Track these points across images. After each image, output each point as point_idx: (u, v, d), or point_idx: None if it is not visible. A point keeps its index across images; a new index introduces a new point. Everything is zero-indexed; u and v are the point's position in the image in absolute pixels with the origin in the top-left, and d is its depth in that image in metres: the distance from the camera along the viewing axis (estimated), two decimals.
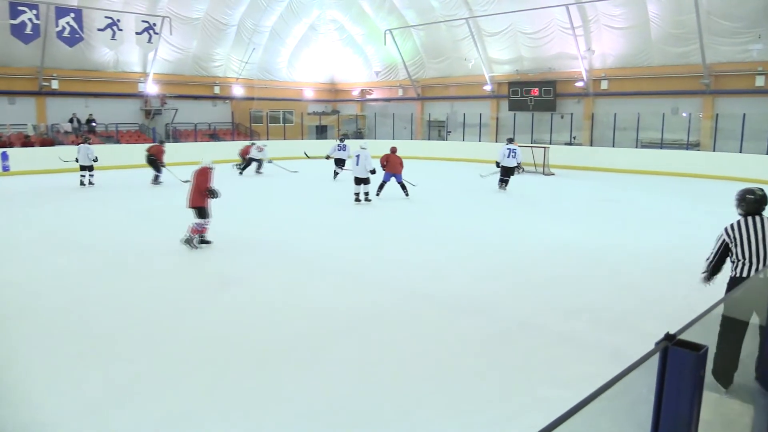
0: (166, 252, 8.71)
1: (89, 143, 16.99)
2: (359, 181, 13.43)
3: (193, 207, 8.79)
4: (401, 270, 7.79)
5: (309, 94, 34.24)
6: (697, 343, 1.92)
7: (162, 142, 18.28)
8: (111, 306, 6.25)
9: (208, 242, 8.97)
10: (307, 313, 6.05)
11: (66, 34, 23.35)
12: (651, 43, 22.60)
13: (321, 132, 31.91)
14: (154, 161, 16.97)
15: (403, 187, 14.10)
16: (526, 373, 4.70)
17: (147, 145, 18.48)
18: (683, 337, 1.95)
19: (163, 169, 17.00)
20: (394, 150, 14.52)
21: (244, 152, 20.64)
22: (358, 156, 13.60)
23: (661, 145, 21.62)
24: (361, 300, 6.51)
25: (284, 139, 27.72)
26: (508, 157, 15.47)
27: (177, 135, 27.53)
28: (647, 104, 22.98)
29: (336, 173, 18.32)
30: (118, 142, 24.88)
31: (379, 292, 6.79)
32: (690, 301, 6.18)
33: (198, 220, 8.80)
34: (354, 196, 13.62)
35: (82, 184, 16.44)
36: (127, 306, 6.25)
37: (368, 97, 34.35)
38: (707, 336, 2.01)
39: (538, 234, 10.15)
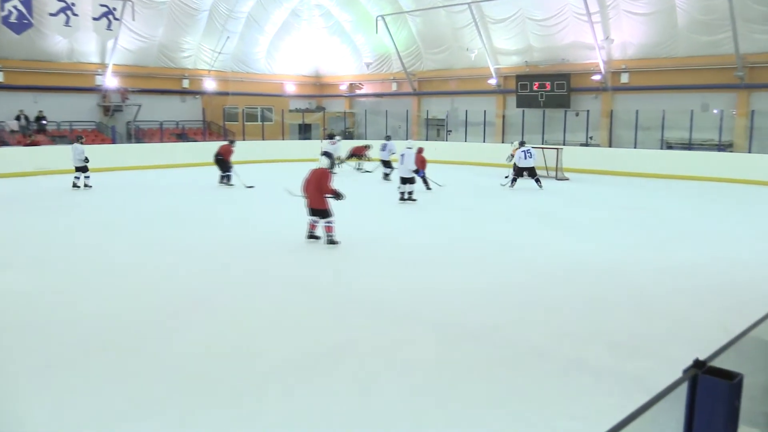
0: (137, 266, 8.69)
1: (81, 142, 17.59)
2: (404, 180, 15.07)
3: (314, 208, 10.05)
4: (394, 290, 7.78)
5: (291, 88, 34.33)
6: (730, 371, 1.90)
7: (232, 142, 19.05)
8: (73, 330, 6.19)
9: (336, 242, 10.04)
10: (293, 338, 6.02)
11: (13, 19, 23.32)
12: (677, 31, 22.82)
13: (304, 131, 31.95)
14: (222, 161, 18.06)
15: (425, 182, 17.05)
16: (537, 405, 4.69)
17: (216, 144, 19.75)
18: (715, 364, 1.93)
19: (232, 170, 18.13)
20: (421, 151, 16.91)
21: (358, 151, 21.88)
22: (403, 155, 15.31)
23: (690, 146, 21.78)
24: (351, 321, 6.49)
25: (263, 139, 27.73)
26: (525, 159, 17.41)
27: (140, 135, 27.50)
28: (673, 100, 23.17)
29: (386, 174, 19.90)
30: (72, 142, 24.75)
31: (371, 315, 6.77)
32: (723, 324, 6.19)
33: (325, 219, 10.04)
34: (399, 195, 15.18)
35: (75, 186, 17.01)
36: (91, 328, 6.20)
37: (358, 92, 34.46)
38: (742, 363, 1.99)
39: (549, 248, 10.16)
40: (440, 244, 10.51)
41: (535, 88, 26.56)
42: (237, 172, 18.18)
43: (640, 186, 18.93)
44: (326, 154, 16.24)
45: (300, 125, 31.90)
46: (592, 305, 7.14)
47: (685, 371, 1.91)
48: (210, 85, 30.69)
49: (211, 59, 30.38)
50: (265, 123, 29.90)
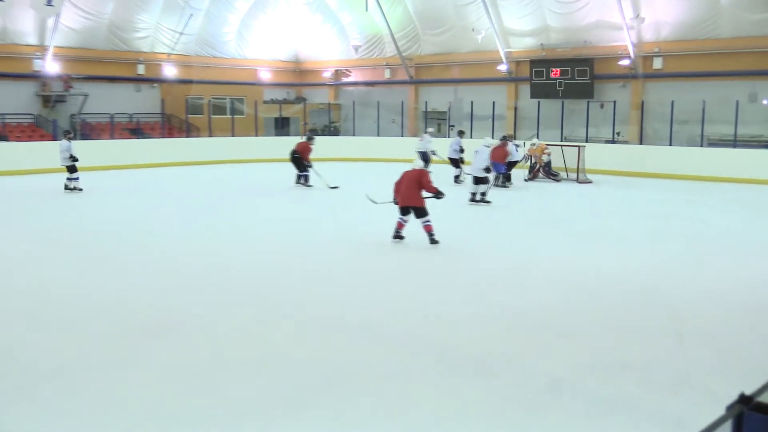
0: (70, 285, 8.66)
1: (69, 138, 17.82)
2: (476, 180, 15.58)
3: (410, 206, 11.04)
4: (388, 312, 7.78)
5: (265, 76, 34.34)
6: None
7: (310, 138, 19.51)
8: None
9: (437, 242, 10.98)
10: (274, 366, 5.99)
11: None
12: (720, 8, 22.99)
13: (281, 126, 31.96)
14: (299, 159, 18.76)
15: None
16: None
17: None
18: (764, 399, 1.94)
19: (311, 170, 18.73)
20: (505, 144, 18.24)
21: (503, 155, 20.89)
22: (477, 152, 15.78)
23: (735, 143, 21.88)
24: (338, 347, 6.48)
25: (232, 135, 27.70)
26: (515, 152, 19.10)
27: (86, 130, 27.41)
28: (715, 89, 23.29)
29: (457, 177, 20.09)
30: (4, 138, 24.66)
31: (360, 340, 6.76)
32: None
33: (423, 219, 11.03)
34: (470, 196, 15.70)
35: (66, 188, 17.39)
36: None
37: (344, 80, 34.49)
38: None
39: (570, 263, 10.16)
40: (443, 258, 10.52)
41: (552, 75, 26.66)
42: (318, 171, 18.58)
43: (677, 190, 19.00)
44: (421, 154, 19.13)
45: (276, 119, 31.89)
46: (621, 331, 7.14)
47: (729, 408, 1.91)
48: (170, 71, 30.62)
49: (172, 41, 30.33)
50: (235, 116, 29.88)
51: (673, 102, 22.92)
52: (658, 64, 24.96)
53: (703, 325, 7.36)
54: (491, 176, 16.14)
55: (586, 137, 24.29)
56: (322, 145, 28.19)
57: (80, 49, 28.11)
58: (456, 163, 20.25)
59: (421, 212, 11.09)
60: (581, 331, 7.15)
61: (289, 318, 7.55)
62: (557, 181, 20.49)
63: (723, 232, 12.85)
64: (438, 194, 11.14)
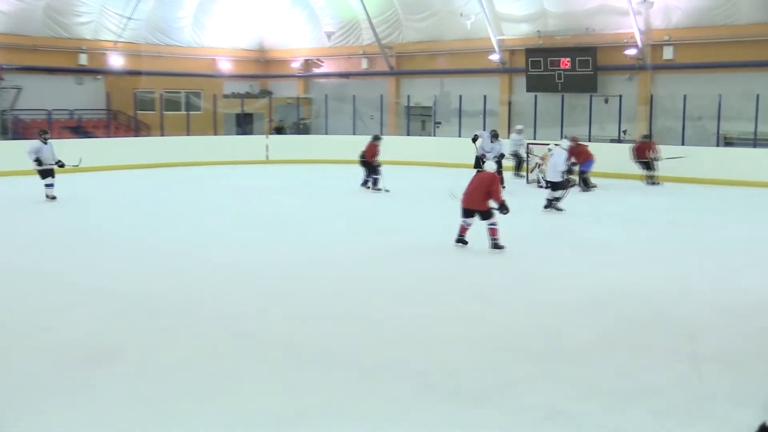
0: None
1: (44, 138, 17.74)
2: (553, 185, 15.87)
3: (473, 209, 11.70)
4: (364, 336, 7.75)
5: (226, 66, 34.25)
6: None
7: (377, 139, 19.89)
8: None
9: (502, 247, 11.65)
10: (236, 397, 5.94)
11: None
12: None
13: (244, 124, 31.82)
14: (367, 163, 19.46)
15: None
16: None
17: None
18: None
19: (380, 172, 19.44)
20: (575, 139, 18.98)
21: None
22: (552, 154, 16.20)
23: (755, 142, 22.05)
24: (310, 375, 6.44)
25: (187, 133, 27.54)
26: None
27: (19, 128, 27.14)
28: (733, 82, 23.48)
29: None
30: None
31: (341, 370, 6.73)
32: None
33: (488, 221, 11.69)
34: (545, 202, 15.89)
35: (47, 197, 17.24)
36: None
37: (316, 71, 34.44)
38: None
39: (572, 278, 10.20)
40: (433, 273, 10.53)
41: (550, 66, 26.83)
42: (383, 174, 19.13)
43: (691, 195, 19.12)
44: (514, 156, 20.96)
45: (238, 115, 31.73)
46: (630, 354, 7.16)
47: None
48: (116, 61, 30.45)
49: (118, 27, 30.16)
50: (191, 112, 29.68)
51: (685, 96, 23.03)
52: (668, 53, 25.16)
53: (720, 348, 7.40)
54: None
55: (589, 136, 24.29)
56: (289, 145, 28.38)
57: (12, 35, 27.87)
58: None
59: (486, 214, 11.74)
60: (585, 354, 7.16)
61: (246, 343, 7.51)
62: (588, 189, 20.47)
63: (743, 244, 12.91)
64: (503, 207, 11.68)
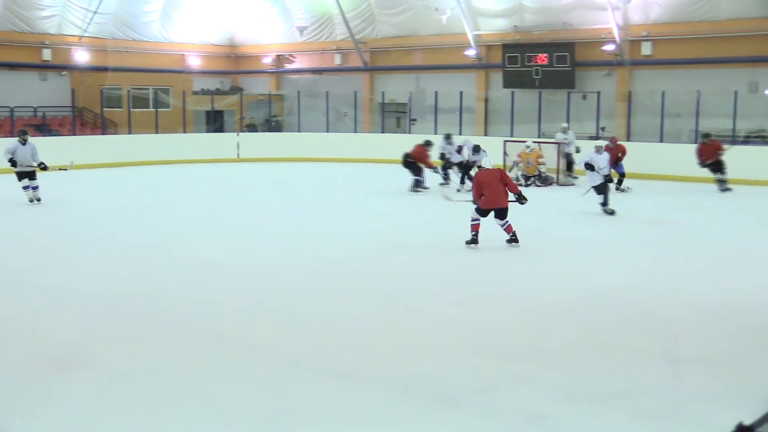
0: None
1: (23, 139, 17.20)
2: (598, 189, 15.61)
3: (501, 208, 12.04)
4: (345, 337, 7.74)
5: (195, 62, 34.11)
6: None
7: (428, 144, 19.96)
8: None
9: (517, 240, 12.09)
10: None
11: None
12: None
13: (214, 121, 31.71)
14: (413, 164, 19.49)
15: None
16: None
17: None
18: (766, 430, 1.94)
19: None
20: (614, 140, 19.15)
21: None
22: (593, 158, 15.68)
23: (733, 138, 22.26)
24: (287, 382, 6.41)
25: (156, 131, 27.40)
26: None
27: None
28: (712, 78, 23.71)
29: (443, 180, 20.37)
30: None
31: (318, 375, 6.71)
32: None
33: (505, 219, 12.09)
34: (601, 208, 15.57)
35: (30, 200, 16.81)
36: None
37: (288, 67, 34.38)
38: None
39: (551, 279, 10.24)
40: (412, 273, 10.52)
41: (527, 62, 26.90)
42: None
43: (668, 193, 19.26)
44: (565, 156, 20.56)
45: (208, 112, 31.63)
46: (610, 356, 7.19)
47: None
48: (82, 57, 30.19)
49: (83, 22, 29.91)
50: (159, 109, 29.57)
51: (663, 92, 23.28)
52: (646, 49, 25.35)
53: (701, 349, 7.44)
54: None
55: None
56: (261, 143, 28.29)
57: None
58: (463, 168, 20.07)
59: (505, 213, 12.12)
60: (565, 356, 7.18)
61: (221, 349, 7.45)
62: (548, 185, 20.72)
63: (723, 243, 13.02)
64: (521, 197, 12.36)
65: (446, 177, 20.45)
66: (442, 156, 20.48)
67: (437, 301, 9.14)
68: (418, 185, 19.33)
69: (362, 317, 8.45)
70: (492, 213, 12.07)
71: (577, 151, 20.84)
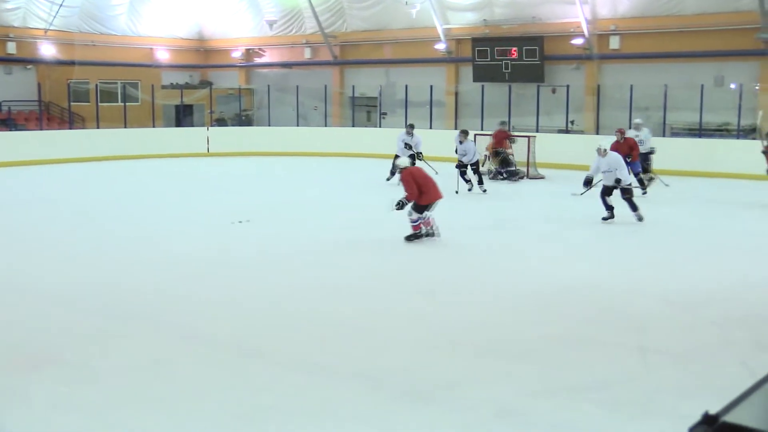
0: None
1: None
2: (624, 191, 13.97)
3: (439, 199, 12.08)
4: (314, 333, 7.77)
5: (163, 56, 33.84)
6: (750, 428, 1.94)
7: (504, 124, 19.94)
8: None
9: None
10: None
11: None
12: None
13: (184, 115, 31.50)
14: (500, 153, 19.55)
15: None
16: None
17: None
18: (732, 418, 1.98)
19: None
20: (622, 132, 17.22)
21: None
22: (610, 161, 13.96)
23: (700, 132, 22.51)
24: (259, 378, 6.43)
25: (125, 126, 27.14)
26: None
27: None
28: (679, 72, 23.86)
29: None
30: None
31: (288, 371, 6.72)
32: (752, 368, 6.41)
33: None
34: (607, 214, 13.95)
35: None
36: None
37: (257, 61, 34.20)
38: (765, 415, 2.06)
39: (518, 273, 10.31)
40: (381, 268, 10.58)
41: (497, 55, 26.94)
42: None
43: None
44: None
45: (177, 107, 31.41)
46: (577, 350, 7.26)
47: (692, 429, 1.95)
48: (48, 50, 29.85)
49: (49, 14, 29.56)
50: (128, 104, 29.27)
51: (632, 86, 23.38)
52: (615, 43, 25.48)
53: (669, 341, 7.55)
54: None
55: (537, 126, 24.59)
56: (231, 137, 28.13)
57: None
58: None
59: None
60: (532, 351, 7.24)
61: (193, 345, 7.45)
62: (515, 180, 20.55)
63: (691, 235, 13.17)
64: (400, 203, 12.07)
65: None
66: (409, 146, 19.39)
67: (407, 296, 9.18)
68: (510, 175, 19.52)
69: (333, 313, 8.46)
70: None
71: (652, 152, 18.81)
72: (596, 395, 6.13)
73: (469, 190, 17.69)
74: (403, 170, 12.11)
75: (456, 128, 26.60)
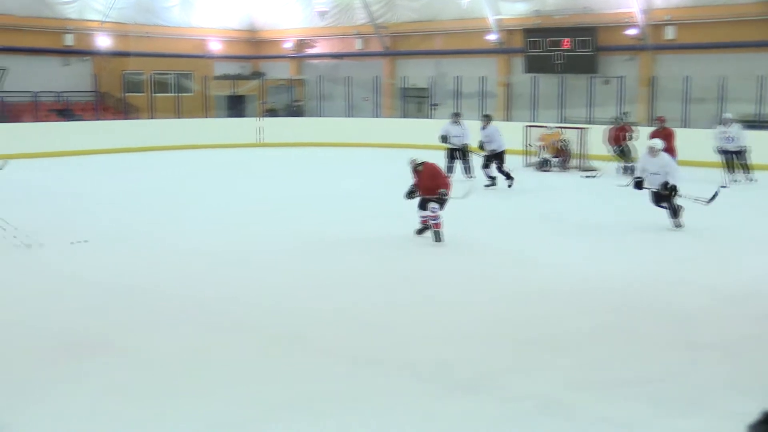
0: None
1: None
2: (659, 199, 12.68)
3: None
4: (348, 325, 7.82)
5: (216, 47, 34.13)
6: None
7: (618, 120, 19.85)
8: None
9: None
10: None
11: None
12: None
13: (235, 105, 31.79)
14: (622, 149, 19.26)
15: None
16: None
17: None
18: None
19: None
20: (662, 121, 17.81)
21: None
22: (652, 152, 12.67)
23: (759, 123, 22.06)
24: (304, 367, 6.49)
25: (178, 116, 27.50)
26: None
27: (5, 111, 27.05)
28: (737, 63, 23.46)
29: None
30: None
31: (333, 360, 6.77)
32: None
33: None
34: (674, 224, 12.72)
35: None
36: None
37: (308, 52, 34.32)
38: None
39: (567, 266, 10.23)
40: (423, 261, 10.56)
41: (549, 46, 26.77)
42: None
43: (693, 179, 18.92)
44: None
45: (229, 97, 31.72)
46: (624, 343, 7.20)
47: (752, 428, 1.94)
48: (104, 42, 30.30)
49: (106, 7, 30.00)
50: (181, 94, 29.66)
51: (687, 77, 23.09)
52: (670, 33, 25.12)
53: (719, 336, 7.44)
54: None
55: (590, 118, 24.41)
56: (283, 128, 28.30)
57: None
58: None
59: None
60: (578, 344, 7.20)
61: (240, 335, 7.53)
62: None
63: (745, 229, 12.93)
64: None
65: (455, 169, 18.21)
66: (445, 139, 18.66)
67: (445, 289, 9.16)
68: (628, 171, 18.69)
69: (374, 304, 8.49)
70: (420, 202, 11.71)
71: (743, 150, 17.87)
72: (642, 389, 6.06)
73: (488, 186, 16.92)
74: (423, 164, 11.79)
75: (507, 119, 26.55)
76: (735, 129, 18.14)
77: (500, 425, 5.46)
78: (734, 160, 18.08)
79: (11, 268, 10.14)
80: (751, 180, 17.96)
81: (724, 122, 18.48)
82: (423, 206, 11.61)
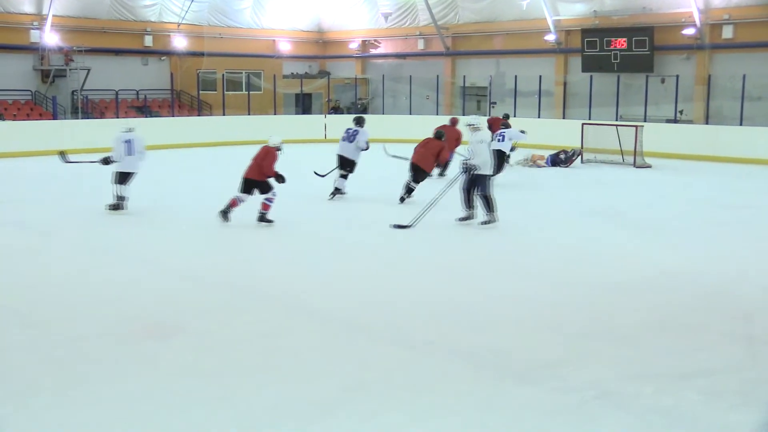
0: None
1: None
2: None
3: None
4: (418, 312, 7.77)
5: (285, 47, 34.44)
6: None
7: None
8: None
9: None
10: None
11: None
12: None
13: (303, 103, 32.02)
14: None
15: None
16: None
17: None
18: None
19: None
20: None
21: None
22: None
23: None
24: (364, 354, 6.49)
25: (248, 113, 27.80)
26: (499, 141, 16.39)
27: (89, 108, 27.70)
28: None
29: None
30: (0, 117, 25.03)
31: (392, 348, 6.76)
32: None
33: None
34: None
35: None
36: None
37: (373, 52, 34.43)
38: None
39: (622, 258, 10.09)
40: (479, 250, 10.56)
41: (606, 46, 26.47)
42: None
43: (749, 176, 18.71)
44: None
45: (297, 95, 31.96)
46: (681, 335, 7.06)
47: None
48: (180, 43, 30.81)
49: (182, 10, 30.49)
50: (252, 92, 29.97)
51: (744, 76, 22.59)
52: (727, 32, 24.60)
53: None
54: None
55: (645, 116, 24.09)
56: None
57: (81, 18, 28.42)
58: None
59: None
60: (634, 335, 7.06)
61: (301, 320, 7.58)
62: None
63: None
64: (279, 177, 12.58)
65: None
66: None
67: (502, 279, 9.12)
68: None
69: (434, 292, 8.46)
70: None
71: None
72: (699, 382, 5.93)
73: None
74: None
75: (564, 118, 26.33)
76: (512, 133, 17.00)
77: (556, 415, 5.38)
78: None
79: (101, 251, 10.34)
80: None
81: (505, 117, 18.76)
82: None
